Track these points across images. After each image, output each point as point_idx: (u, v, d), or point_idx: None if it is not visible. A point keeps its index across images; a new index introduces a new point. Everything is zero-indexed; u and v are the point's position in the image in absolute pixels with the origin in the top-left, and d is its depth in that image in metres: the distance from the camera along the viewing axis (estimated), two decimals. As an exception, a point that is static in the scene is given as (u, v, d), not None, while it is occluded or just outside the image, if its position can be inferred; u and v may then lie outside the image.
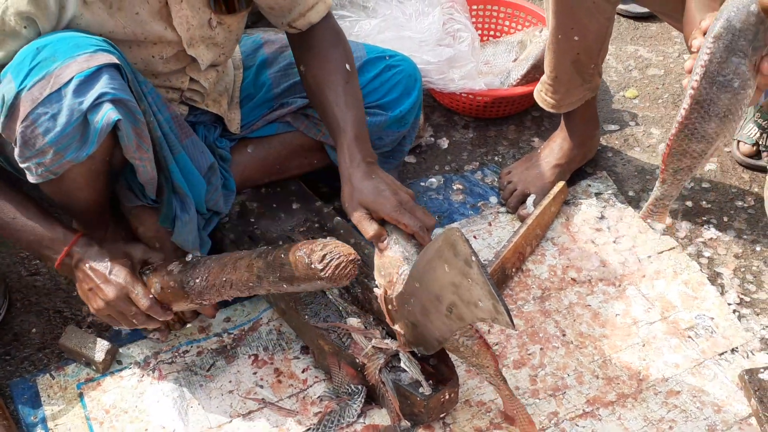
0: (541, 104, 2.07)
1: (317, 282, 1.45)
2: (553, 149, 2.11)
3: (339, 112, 1.66)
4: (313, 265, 1.43)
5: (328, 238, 1.50)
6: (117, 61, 1.40)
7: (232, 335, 1.79)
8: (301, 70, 1.77)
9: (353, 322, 1.63)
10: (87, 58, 1.38)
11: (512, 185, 2.08)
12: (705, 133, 1.35)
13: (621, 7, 2.68)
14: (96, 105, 1.37)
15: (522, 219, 2.01)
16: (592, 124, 2.12)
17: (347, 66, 1.72)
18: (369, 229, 1.53)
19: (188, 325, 1.78)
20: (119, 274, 1.55)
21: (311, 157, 1.97)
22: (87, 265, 1.55)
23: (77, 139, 1.39)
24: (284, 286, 1.50)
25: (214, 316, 1.70)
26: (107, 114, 1.37)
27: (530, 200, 2.03)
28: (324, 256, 1.43)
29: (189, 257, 1.61)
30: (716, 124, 1.32)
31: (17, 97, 1.37)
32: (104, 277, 1.54)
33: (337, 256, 1.43)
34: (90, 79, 1.37)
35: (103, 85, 1.37)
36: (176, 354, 1.75)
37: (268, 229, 1.87)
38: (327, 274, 1.43)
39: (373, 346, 1.59)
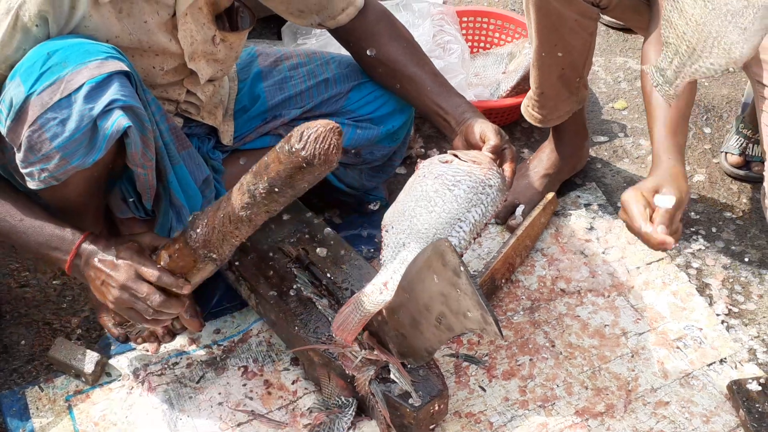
0: (528, 119, 2.08)
1: (305, 167, 1.35)
2: (542, 160, 2.12)
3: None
4: (293, 149, 1.34)
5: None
6: (127, 69, 1.42)
7: (222, 347, 1.79)
8: (367, 55, 1.83)
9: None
10: (98, 65, 1.39)
11: (502, 196, 2.09)
12: (683, 6, 1.27)
13: (610, 18, 2.70)
14: (107, 111, 1.38)
15: (511, 229, 2.02)
16: (581, 136, 2.13)
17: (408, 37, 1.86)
18: None
19: (178, 337, 1.78)
20: (126, 256, 1.49)
21: (302, 169, 1.98)
22: (96, 258, 1.50)
23: (84, 145, 1.40)
24: (276, 191, 1.39)
25: (200, 329, 1.69)
26: (118, 120, 1.38)
27: (519, 210, 2.04)
28: (302, 134, 1.34)
29: (190, 217, 1.54)
30: (692, 2, 1.26)
31: (26, 101, 1.37)
32: (112, 264, 1.49)
33: (314, 129, 1.34)
34: (101, 85, 1.38)
35: (114, 91, 1.38)
36: (166, 366, 1.75)
37: (258, 240, 1.87)
38: (309, 151, 1.33)
39: (362, 358, 1.59)
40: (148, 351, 1.76)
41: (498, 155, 1.62)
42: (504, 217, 2.06)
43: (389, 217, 1.50)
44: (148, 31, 1.56)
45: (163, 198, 1.63)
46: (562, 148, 2.11)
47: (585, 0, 1.77)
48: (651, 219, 1.41)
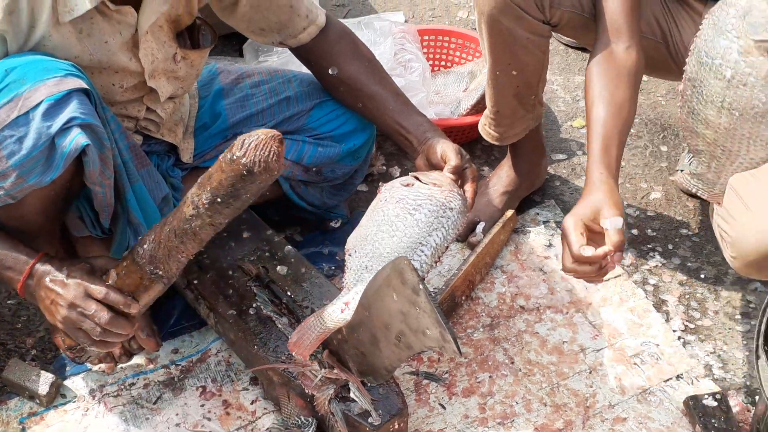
0: (486, 137, 2.10)
1: (246, 176, 1.34)
2: (501, 177, 2.14)
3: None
4: (234, 157, 1.33)
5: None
6: (86, 86, 1.40)
7: (180, 367, 1.77)
8: (328, 74, 1.84)
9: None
10: (57, 82, 1.37)
11: (462, 213, 2.10)
12: (706, 118, 1.32)
13: (568, 39, 2.73)
14: (65, 129, 1.36)
15: (472, 246, 2.03)
16: (539, 153, 2.16)
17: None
18: None
19: (135, 357, 1.76)
20: (75, 275, 1.47)
21: (263, 188, 1.97)
22: (47, 279, 1.49)
23: (42, 163, 1.38)
24: (218, 201, 1.38)
25: (157, 349, 1.67)
26: (76, 138, 1.37)
27: (479, 228, 2.05)
28: (243, 142, 1.33)
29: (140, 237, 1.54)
30: (716, 112, 1.31)
31: None
32: (62, 283, 1.47)
33: (255, 137, 1.33)
34: (59, 103, 1.36)
35: (72, 109, 1.37)
36: (122, 386, 1.73)
37: (217, 258, 1.86)
38: (249, 159, 1.32)
39: (322, 377, 1.58)
40: (104, 371, 1.73)
41: (459, 175, 1.63)
42: (464, 235, 2.07)
43: (352, 241, 1.51)
44: (109, 50, 1.55)
45: (121, 216, 1.61)
46: (520, 165, 2.12)
47: (535, 18, 1.79)
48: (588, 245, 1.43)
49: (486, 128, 2.08)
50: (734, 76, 1.25)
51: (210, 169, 1.40)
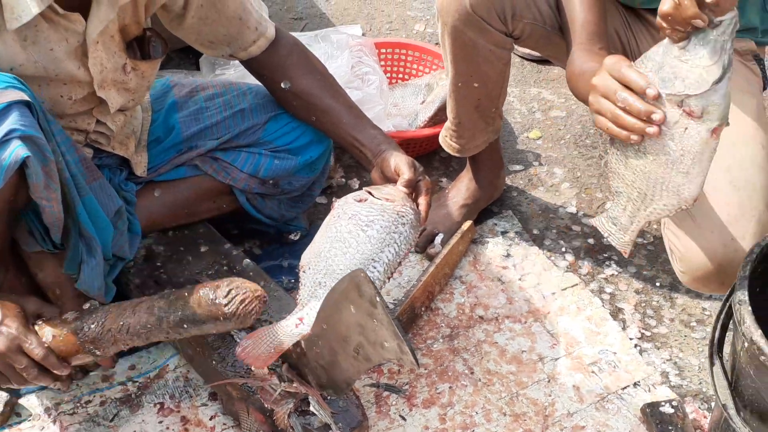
0: (446, 149, 2.11)
1: (221, 321, 1.42)
2: (460, 189, 2.15)
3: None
4: (217, 301, 1.40)
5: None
6: (28, 99, 1.38)
7: (137, 383, 1.75)
8: (281, 87, 1.84)
9: (260, 366, 1.61)
10: None
11: (421, 225, 2.11)
12: (627, 159, 1.37)
13: (524, 50, 2.77)
14: (4, 141, 1.34)
15: (431, 258, 2.03)
16: (498, 165, 2.17)
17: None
18: None
19: (91, 374, 1.73)
20: (11, 324, 1.46)
21: (220, 201, 1.96)
22: None
23: None
24: (185, 326, 1.45)
25: (113, 366, 1.65)
26: (16, 151, 1.34)
27: (438, 239, 2.06)
28: (229, 291, 1.41)
29: (86, 305, 1.56)
30: (635, 153, 1.35)
31: None
32: None
33: (243, 291, 1.42)
34: None
35: (12, 121, 1.34)
36: (78, 404, 1.70)
37: (174, 273, 1.84)
38: (231, 310, 1.40)
39: (281, 391, 1.57)
40: (59, 389, 1.70)
41: (413, 188, 1.64)
42: (423, 246, 2.08)
43: (306, 257, 1.52)
44: (55, 59, 1.53)
45: (72, 230, 1.59)
46: (480, 178, 2.14)
47: (498, 30, 1.81)
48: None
49: (447, 140, 2.10)
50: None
51: (187, 294, 1.45)
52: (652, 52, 1.29)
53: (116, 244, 1.72)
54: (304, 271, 1.52)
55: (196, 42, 1.81)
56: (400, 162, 1.66)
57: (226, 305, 1.41)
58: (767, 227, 1.63)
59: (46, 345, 1.48)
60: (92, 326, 1.49)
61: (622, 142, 1.36)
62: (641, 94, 1.30)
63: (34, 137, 1.37)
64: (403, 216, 1.54)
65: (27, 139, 1.36)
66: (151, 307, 1.48)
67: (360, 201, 1.58)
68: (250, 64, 1.86)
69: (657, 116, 1.30)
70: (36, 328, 1.51)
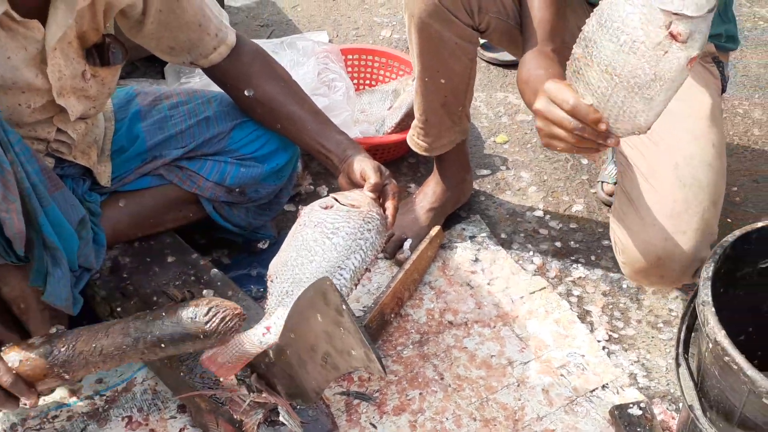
0: (414, 148, 2.12)
1: (200, 338, 1.42)
2: (427, 194, 2.16)
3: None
4: (197, 318, 1.41)
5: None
6: None
7: (105, 397, 1.73)
8: (244, 95, 1.83)
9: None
10: None
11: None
12: (588, 80, 1.33)
13: (491, 55, 2.78)
14: None
15: (399, 264, 2.03)
16: (464, 168, 2.18)
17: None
18: None
19: (57, 388, 1.71)
20: None
21: (186, 210, 1.95)
22: None
23: None
24: (162, 346, 1.45)
25: (79, 380, 1.63)
26: None
27: (407, 245, 2.06)
28: (209, 309, 1.42)
29: (53, 330, 1.54)
30: (599, 74, 1.30)
31: None
32: None
33: (223, 309, 1.42)
34: None
35: None
36: (45, 420, 1.68)
37: (141, 284, 1.82)
38: (212, 327, 1.40)
39: (251, 401, 1.56)
40: (26, 405, 1.67)
41: (380, 192, 1.64)
42: (392, 252, 2.08)
43: (273, 267, 1.51)
44: (12, 67, 1.50)
45: (35, 242, 1.56)
46: (446, 181, 2.15)
47: (465, 23, 1.82)
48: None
49: (414, 139, 2.10)
50: (627, 42, 1.25)
51: (162, 311, 1.44)
52: None
53: (81, 254, 1.70)
54: (271, 281, 1.52)
55: (156, 49, 1.79)
56: (366, 167, 1.66)
57: (206, 323, 1.41)
58: (710, 225, 1.66)
59: (14, 371, 1.44)
60: (62, 349, 1.46)
61: (587, 62, 1.32)
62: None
63: None
64: (369, 222, 1.54)
65: None
66: (125, 328, 1.46)
67: (326, 208, 1.57)
68: (212, 72, 1.85)
69: (611, 141, 1.35)
70: (1, 353, 1.47)
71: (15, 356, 1.45)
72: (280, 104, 1.82)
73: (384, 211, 1.62)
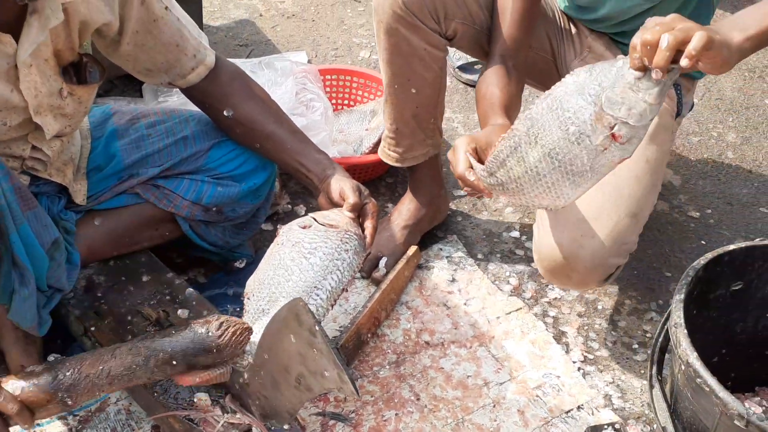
0: (384, 159, 2.12)
1: (212, 352, 1.43)
2: (402, 212, 2.16)
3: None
4: (210, 334, 1.43)
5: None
6: None
7: (78, 417, 1.71)
8: (223, 115, 1.83)
9: (202, 397, 1.59)
10: None
11: (365, 249, 2.11)
12: (525, 157, 1.41)
13: (468, 77, 2.80)
14: None
15: (376, 282, 2.03)
16: (437, 184, 2.19)
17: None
18: None
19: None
20: None
21: (162, 228, 1.94)
22: None
23: None
24: (173, 364, 1.44)
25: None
26: None
27: (382, 263, 2.07)
28: (221, 324, 1.43)
29: (50, 358, 1.52)
30: (540, 156, 1.39)
31: None
32: None
33: (233, 324, 1.44)
34: None
35: None
36: (15, 440, 1.66)
37: (116, 303, 1.81)
38: (224, 341, 1.42)
39: (225, 422, 1.55)
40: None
41: (359, 212, 1.64)
42: (368, 270, 2.08)
43: (250, 285, 1.52)
44: None
45: (4, 259, 1.55)
46: (420, 195, 2.15)
47: (432, 30, 1.85)
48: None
49: (385, 150, 2.11)
50: (575, 133, 1.34)
51: (172, 330, 1.45)
52: (605, 67, 1.32)
53: (52, 276, 1.68)
54: (248, 298, 1.52)
55: (133, 70, 1.79)
56: (345, 186, 1.66)
57: (219, 336, 1.42)
58: (623, 234, 1.72)
59: (18, 398, 1.39)
60: (68, 374, 1.42)
61: (530, 141, 1.40)
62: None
63: None
64: (347, 242, 1.55)
65: None
66: (134, 348, 1.45)
67: (304, 227, 1.58)
68: (190, 93, 1.85)
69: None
70: (1, 382, 1.43)
71: (17, 383, 1.41)
72: (259, 124, 1.83)
73: (363, 230, 1.62)
